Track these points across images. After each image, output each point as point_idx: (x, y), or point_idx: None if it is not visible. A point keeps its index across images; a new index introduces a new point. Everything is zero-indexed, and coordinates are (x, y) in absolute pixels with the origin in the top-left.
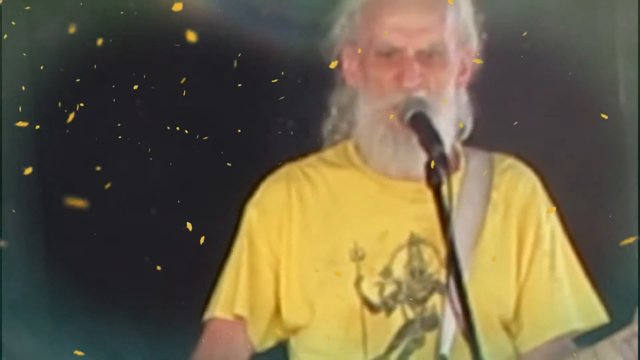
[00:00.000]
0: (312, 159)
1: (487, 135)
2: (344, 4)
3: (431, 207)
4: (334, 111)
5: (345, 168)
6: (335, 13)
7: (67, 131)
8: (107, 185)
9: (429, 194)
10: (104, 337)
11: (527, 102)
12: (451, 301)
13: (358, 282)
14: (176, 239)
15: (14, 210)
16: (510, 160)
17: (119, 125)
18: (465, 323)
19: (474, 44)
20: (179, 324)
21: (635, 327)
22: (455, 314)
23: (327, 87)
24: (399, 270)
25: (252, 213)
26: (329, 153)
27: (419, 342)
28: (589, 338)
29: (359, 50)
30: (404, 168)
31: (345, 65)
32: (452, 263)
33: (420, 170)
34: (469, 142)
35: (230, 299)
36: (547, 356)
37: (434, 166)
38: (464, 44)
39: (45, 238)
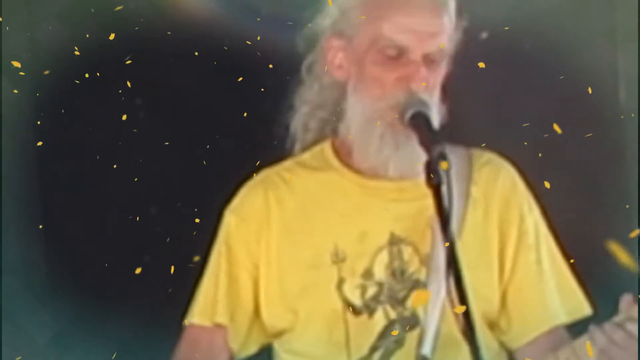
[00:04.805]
0: (289, 162)
1: (486, 134)
2: None
3: (410, 207)
4: (303, 109)
5: (323, 170)
6: (319, 4)
7: (67, 131)
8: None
9: (408, 194)
10: (103, 336)
11: (526, 102)
12: (451, 302)
13: (340, 284)
14: (176, 239)
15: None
16: (488, 155)
17: (119, 124)
18: (465, 323)
19: (452, 48)
20: (179, 324)
21: (617, 318)
22: (455, 315)
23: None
24: (380, 272)
25: (230, 220)
26: (305, 156)
27: (399, 342)
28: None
29: (355, 46)
30: (401, 168)
31: (329, 57)
32: (452, 263)
33: (417, 170)
34: (468, 142)
35: (210, 306)
36: (543, 349)
37: (434, 166)
38: (451, 47)
39: (45, 238)
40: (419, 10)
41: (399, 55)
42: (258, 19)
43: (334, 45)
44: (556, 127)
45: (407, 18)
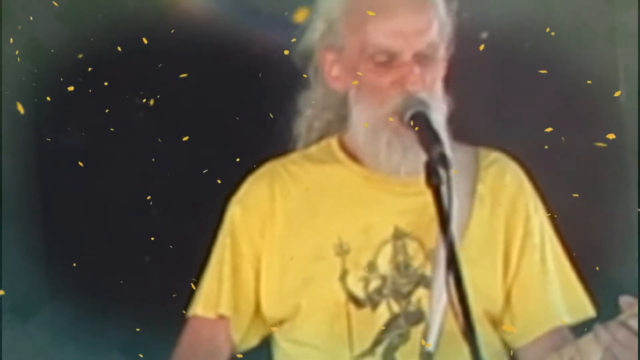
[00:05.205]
0: (295, 155)
1: (486, 133)
2: (320, 9)
3: (416, 201)
4: (308, 111)
5: (329, 164)
6: (309, 18)
7: (67, 131)
8: None
9: (413, 188)
10: (104, 337)
11: (527, 102)
12: (451, 302)
13: (343, 276)
14: (176, 239)
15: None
16: (495, 154)
17: (119, 125)
18: (465, 324)
19: (449, 34)
20: (179, 323)
21: (620, 317)
22: (455, 315)
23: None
24: (383, 265)
25: (234, 210)
26: (312, 149)
27: (403, 337)
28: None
29: (346, 56)
30: (410, 169)
31: (326, 70)
32: (452, 264)
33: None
34: (468, 141)
35: (214, 297)
36: (546, 348)
37: (434, 166)
38: (445, 36)
39: (45, 238)
40: (400, 10)
41: (390, 59)
42: (258, 19)
43: (328, 59)
44: None
45: (390, 21)
